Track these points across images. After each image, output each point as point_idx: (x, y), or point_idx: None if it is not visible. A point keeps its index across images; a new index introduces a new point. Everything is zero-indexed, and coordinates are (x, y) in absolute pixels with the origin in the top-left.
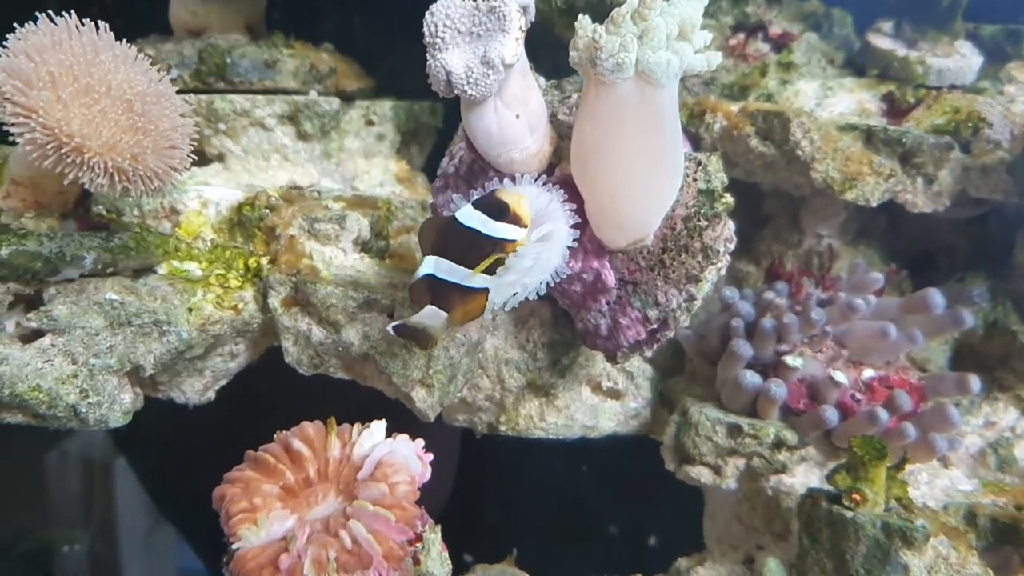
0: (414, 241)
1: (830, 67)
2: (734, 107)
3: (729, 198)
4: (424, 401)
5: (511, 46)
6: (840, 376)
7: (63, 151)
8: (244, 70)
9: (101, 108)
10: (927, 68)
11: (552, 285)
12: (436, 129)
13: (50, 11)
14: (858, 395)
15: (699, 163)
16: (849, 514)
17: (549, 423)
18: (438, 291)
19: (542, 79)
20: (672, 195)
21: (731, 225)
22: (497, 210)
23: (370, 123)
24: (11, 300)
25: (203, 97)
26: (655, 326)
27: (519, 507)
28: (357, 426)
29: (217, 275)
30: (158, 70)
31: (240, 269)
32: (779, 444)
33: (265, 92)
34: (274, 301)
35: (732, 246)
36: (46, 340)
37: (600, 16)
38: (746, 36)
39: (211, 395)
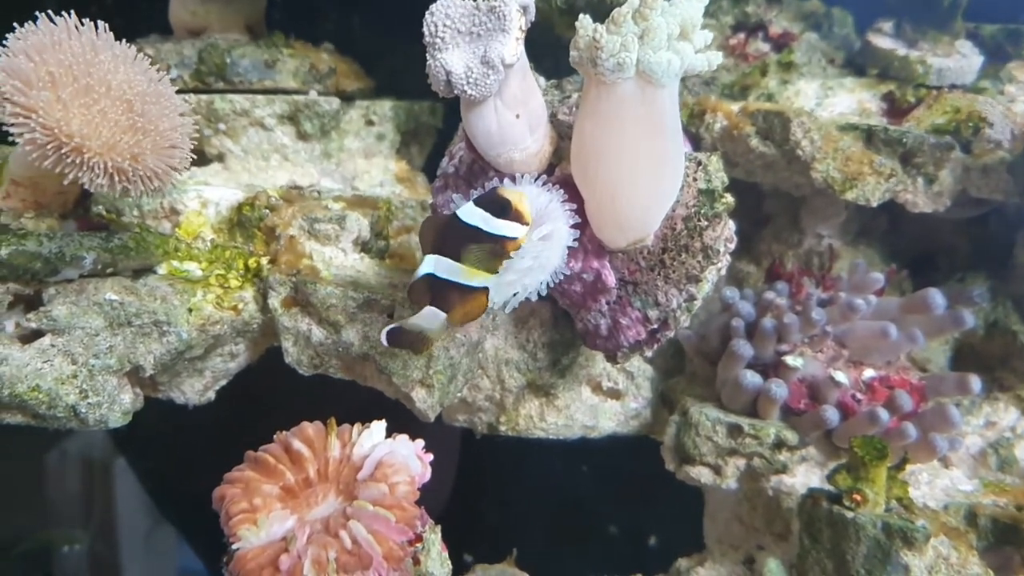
0: (414, 241)
1: (830, 67)
2: (734, 107)
3: (729, 198)
4: (424, 401)
5: (511, 46)
6: (841, 376)
7: (63, 151)
8: (244, 70)
9: (101, 108)
10: (927, 68)
11: (552, 285)
12: (436, 129)
13: (50, 11)
14: (859, 395)
15: (699, 163)
16: (850, 514)
17: (549, 423)
18: (438, 291)
19: (542, 79)
20: (672, 195)
21: (731, 225)
22: (499, 207)
23: (370, 123)
24: (11, 300)
25: (203, 97)
26: (655, 326)
27: (519, 507)
28: (357, 426)
29: (217, 275)
30: (158, 70)
31: (240, 269)
32: (779, 444)
33: (265, 92)
34: (274, 301)
35: (732, 246)
36: (46, 340)
37: (601, 16)
38: (746, 36)
39: (211, 395)
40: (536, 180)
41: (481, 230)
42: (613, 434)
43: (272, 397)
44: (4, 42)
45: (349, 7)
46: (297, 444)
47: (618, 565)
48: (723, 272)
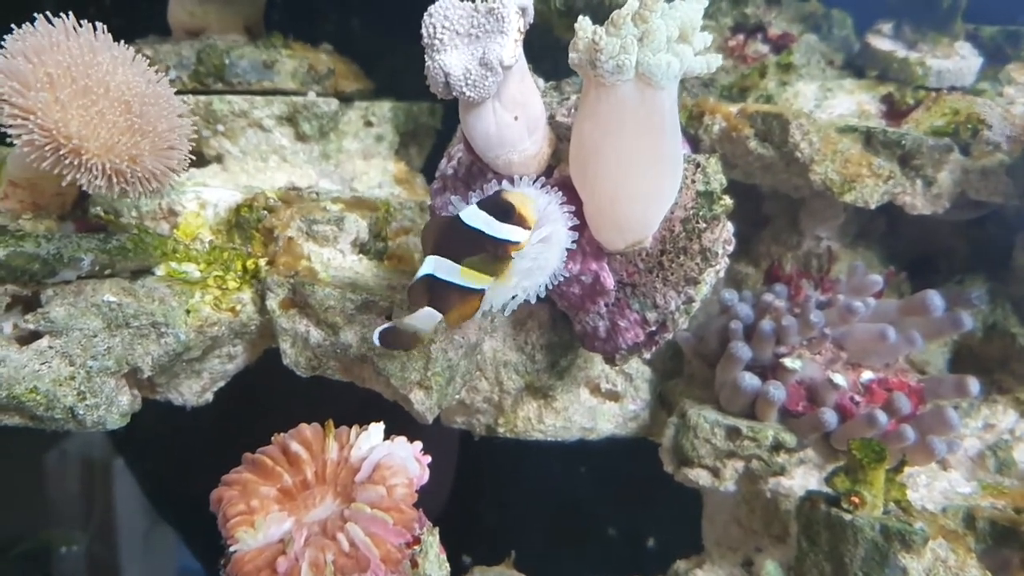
0: (413, 242)
1: (829, 68)
2: (733, 109)
3: (728, 200)
4: (422, 403)
5: (510, 48)
6: (839, 378)
7: (61, 153)
8: (242, 71)
9: (99, 109)
10: (927, 69)
11: (551, 287)
12: (435, 130)
13: (48, 12)
14: (857, 397)
15: (698, 165)
16: (848, 517)
17: (547, 425)
18: (436, 292)
19: (541, 80)
20: (671, 197)
21: (730, 227)
22: (503, 211)
23: (369, 124)
24: (8, 302)
25: (201, 98)
26: (653, 328)
27: (517, 509)
28: (355, 428)
29: (215, 277)
30: (156, 71)
31: (238, 271)
32: (778, 446)
33: (263, 93)
34: (272, 303)
35: (731, 248)
36: (43, 342)
37: (599, 17)
38: (745, 37)
39: (209, 397)
40: (535, 182)
41: (484, 233)
42: (611, 436)
43: (270, 399)
44: (2, 43)
45: (348, 8)
46: (295, 446)
47: (616, 567)
48: (721, 274)
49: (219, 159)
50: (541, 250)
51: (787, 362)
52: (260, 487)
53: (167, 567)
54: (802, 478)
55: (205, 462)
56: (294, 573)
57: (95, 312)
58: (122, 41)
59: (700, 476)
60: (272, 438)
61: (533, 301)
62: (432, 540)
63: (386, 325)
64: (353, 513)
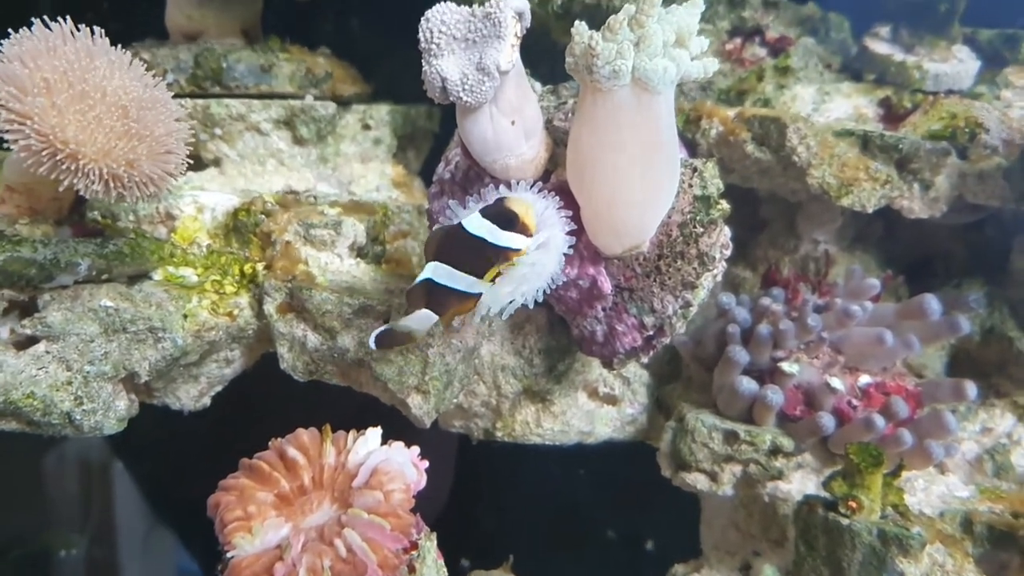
0: (411, 246)
1: (827, 72)
2: (730, 112)
3: (725, 204)
4: (420, 407)
5: (506, 52)
6: (836, 382)
7: (58, 158)
8: (240, 75)
9: (96, 114)
10: (924, 73)
11: (548, 292)
12: (433, 133)
13: (45, 16)
14: (854, 401)
15: (695, 169)
16: (845, 521)
17: (545, 429)
18: (435, 296)
19: (538, 84)
20: (668, 201)
21: (727, 231)
22: (506, 220)
23: (367, 127)
24: (5, 307)
25: (199, 102)
26: (651, 333)
27: (515, 513)
28: (352, 433)
29: (212, 281)
30: (153, 75)
31: (235, 275)
32: (775, 451)
33: (261, 97)
34: (269, 307)
35: (728, 252)
36: (40, 347)
37: (597, 21)
38: (743, 41)
39: (206, 401)
40: (532, 186)
41: (487, 242)
42: (609, 440)
43: (267, 403)
44: None
45: (346, 11)
46: (292, 451)
47: (615, 571)
48: (719, 278)
49: (217, 163)
50: (539, 255)
51: (785, 366)
52: (257, 493)
53: (166, 570)
54: (800, 482)
55: (203, 466)
56: None
57: (92, 317)
58: (119, 44)
59: (698, 480)
60: (269, 443)
61: (531, 306)
62: (430, 545)
63: (382, 328)
64: (350, 519)
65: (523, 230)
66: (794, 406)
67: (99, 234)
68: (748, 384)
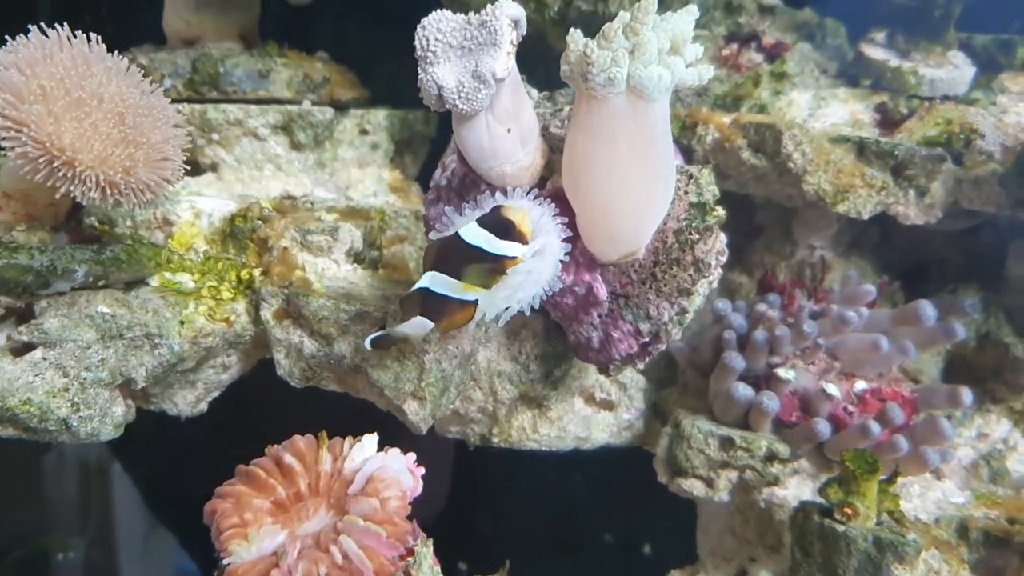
0: (408, 251)
1: (823, 77)
2: (726, 119)
3: (721, 211)
4: (416, 414)
5: (502, 60)
6: (832, 388)
7: (54, 165)
8: (237, 80)
9: (92, 121)
10: (920, 79)
11: (545, 298)
12: (430, 138)
13: (42, 23)
14: (850, 408)
15: (691, 176)
16: (841, 528)
17: (542, 435)
18: (430, 304)
19: (534, 91)
20: (664, 209)
21: (723, 238)
22: (503, 228)
23: (364, 132)
24: (2, 313)
25: (196, 107)
26: (647, 339)
27: (512, 518)
28: (348, 440)
29: (209, 287)
30: (151, 81)
31: (232, 281)
32: (771, 457)
33: (259, 102)
34: (266, 313)
35: (724, 259)
36: (37, 353)
37: (593, 27)
38: (739, 46)
39: (203, 407)
40: (528, 193)
41: (483, 251)
42: (606, 445)
43: (264, 409)
44: None
45: (343, 16)
46: (288, 458)
47: None
48: (715, 285)
49: (214, 168)
50: (535, 262)
51: (781, 372)
52: (253, 500)
53: (165, 573)
54: (796, 488)
55: (200, 471)
56: None
57: (89, 323)
58: (117, 49)
59: (694, 486)
60: (266, 450)
61: (527, 312)
62: (426, 552)
63: (377, 333)
64: (346, 526)
65: (519, 238)
66: (790, 412)
67: (96, 240)
68: (744, 390)
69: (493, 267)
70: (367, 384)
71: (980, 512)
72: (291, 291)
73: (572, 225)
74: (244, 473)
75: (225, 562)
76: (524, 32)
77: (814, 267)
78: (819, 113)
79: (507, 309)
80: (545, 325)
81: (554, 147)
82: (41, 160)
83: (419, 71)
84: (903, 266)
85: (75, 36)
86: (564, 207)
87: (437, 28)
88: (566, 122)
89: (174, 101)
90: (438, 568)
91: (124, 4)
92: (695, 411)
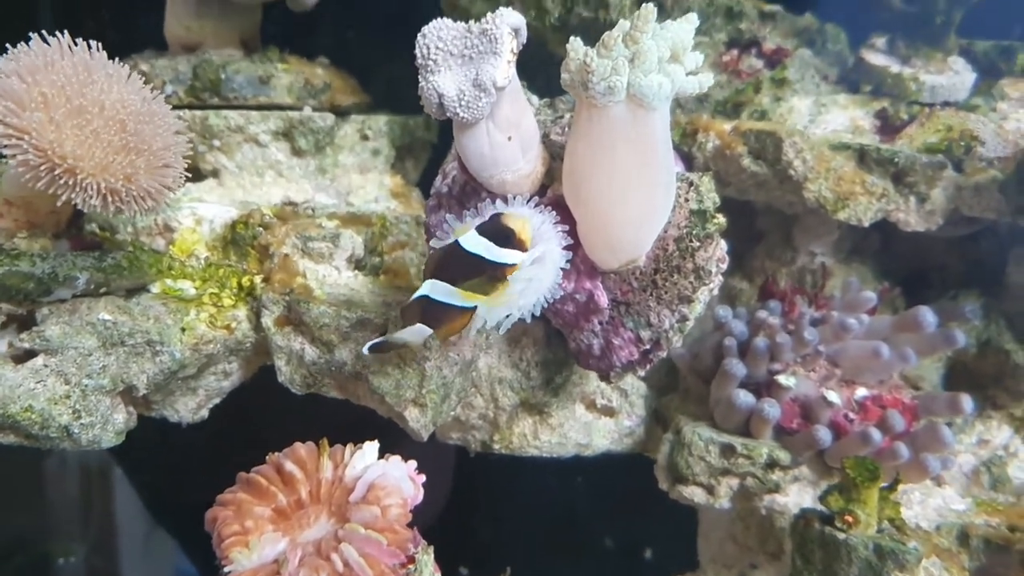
0: (409, 257)
1: (824, 83)
2: (727, 126)
3: (721, 219)
4: (417, 420)
5: (503, 69)
6: (833, 395)
7: (56, 172)
8: (238, 86)
9: (94, 129)
10: (920, 85)
11: (545, 306)
12: (431, 144)
13: (43, 30)
14: (851, 415)
15: (691, 184)
16: (841, 536)
17: (543, 441)
18: (430, 312)
19: (535, 98)
20: (664, 216)
21: (723, 245)
22: (503, 236)
23: (365, 138)
24: (3, 320)
25: (197, 113)
26: (648, 347)
27: (513, 525)
28: (349, 447)
29: (210, 294)
30: (152, 88)
31: (233, 288)
32: (772, 464)
33: (260, 108)
34: (267, 320)
35: (724, 266)
36: (39, 360)
37: (594, 34)
38: (739, 52)
39: (204, 413)
40: (528, 201)
41: (483, 258)
42: (607, 452)
43: (265, 416)
44: None
45: (345, 22)
46: (289, 465)
47: None
48: (715, 292)
49: (215, 174)
50: (535, 269)
51: (781, 379)
52: (254, 507)
53: None
54: (796, 495)
55: (201, 478)
56: None
57: (90, 331)
58: (118, 55)
59: (695, 494)
60: (267, 457)
61: (528, 320)
62: (427, 559)
63: (377, 340)
64: (347, 533)
65: (519, 245)
66: (791, 419)
67: (97, 247)
68: (745, 397)
69: (493, 275)
70: (368, 391)
71: (981, 519)
72: (292, 298)
73: (573, 233)
74: (245, 480)
75: (226, 569)
76: (524, 40)
77: (815, 273)
78: (819, 119)
79: (508, 316)
80: (546, 332)
81: (555, 154)
82: (42, 168)
83: (420, 79)
84: (904, 273)
85: (76, 43)
86: (565, 215)
87: (438, 36)
88: (567, 129)
89: (175, 107)
90: (439, 575)
91: (125, 10)
92: (696, 418)
